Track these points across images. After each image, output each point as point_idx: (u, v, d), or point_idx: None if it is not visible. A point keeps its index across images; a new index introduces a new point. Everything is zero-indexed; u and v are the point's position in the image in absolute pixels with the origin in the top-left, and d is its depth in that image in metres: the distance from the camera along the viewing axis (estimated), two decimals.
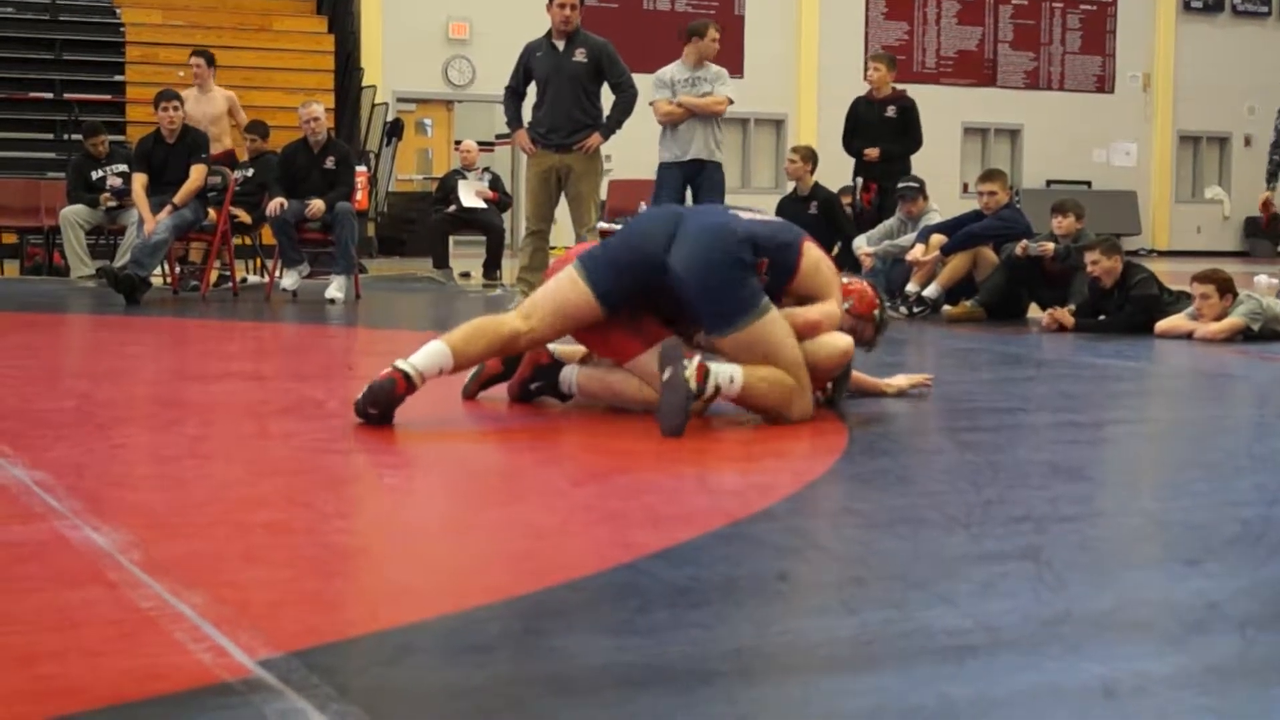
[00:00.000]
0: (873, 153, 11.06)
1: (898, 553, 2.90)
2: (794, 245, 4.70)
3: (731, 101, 9.90)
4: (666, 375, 4.25)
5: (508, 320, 4.63)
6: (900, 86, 11.68)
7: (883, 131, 11.14)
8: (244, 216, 11.42)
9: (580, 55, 9.27)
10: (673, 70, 9.95)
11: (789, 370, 4.53)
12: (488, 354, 4.64)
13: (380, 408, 4.37)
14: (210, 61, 12.41)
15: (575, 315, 4.60)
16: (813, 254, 4.74)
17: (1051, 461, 4.10)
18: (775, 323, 4.54)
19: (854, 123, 11.41)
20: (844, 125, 11.52)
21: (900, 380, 5.29)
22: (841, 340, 4.72)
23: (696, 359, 4.36)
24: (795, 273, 4.67)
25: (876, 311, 5.05)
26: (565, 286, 4.61)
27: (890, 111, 11.22)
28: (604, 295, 4.55)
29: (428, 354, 4.46)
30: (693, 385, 4.28)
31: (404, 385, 4.37)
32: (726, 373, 4.43)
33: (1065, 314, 8.38)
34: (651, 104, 9.89)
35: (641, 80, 9.55)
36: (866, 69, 11.74)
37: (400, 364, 4.39)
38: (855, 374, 5.15)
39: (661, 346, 4.36)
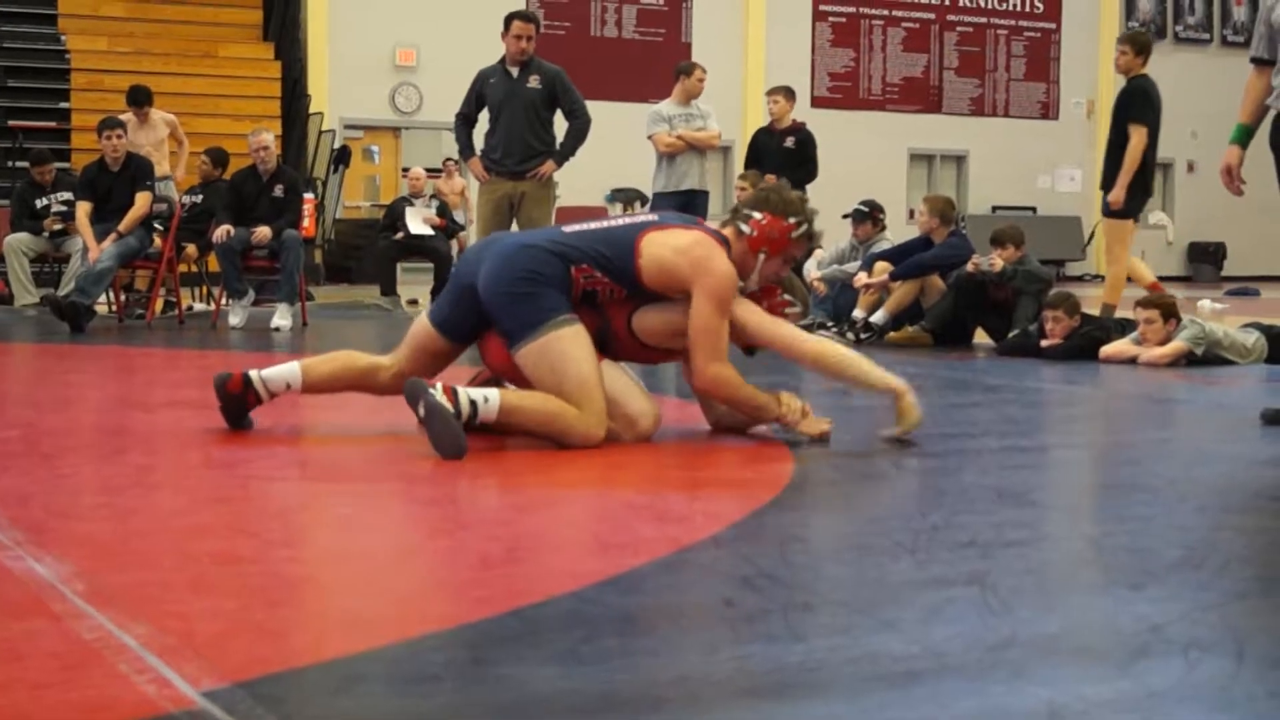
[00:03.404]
0: (771, 180, 11.32)
1: (844, 579, 2.91)
2: (627, 244, 4.69)
3: (720, 135, 10.88)
4: (421, 411, 4.30)
5: (376, 359, 4.90)
6: (800, 117, 11.90)
7: (782, 161, 11.33)
8: (191, 251, 11.41)
9: (534, 82, 9.34)
10: (667, 107, 10.71)
11: (575, 388, 4.47)
12: (337, 381, 4.87)
13: (222, 402, 4.78)
14: (148, 100, 12.42)
15: (424, 346, 4.85)
16: (653, 248, 4.69)
17: (997, 486, 4.13)
18: (569, 339, 4.53)
19: (755, 153, 11.69)
20: (745, 155, 11.84)
21: (803, 421, 4.79)
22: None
23: (439, 384, 4.38)
24: (638, 271, 4.68)
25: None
26: (416, 322, 4.92)
27: (789, 142, 11.51)
28: (440, 324, 4.82)
29: (279, 369, 4.80)
30: (448, 404, 4.29)
31: (239, 385, 4.74)
32: (480, 392, 4.43)
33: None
34: (651, 137, 10.54)
35: (592, 107, 9.63)
36: (766, 102, 11.94)
37: (249, 370, 4.77)
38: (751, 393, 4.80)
39: (405, 386, 4.42)
